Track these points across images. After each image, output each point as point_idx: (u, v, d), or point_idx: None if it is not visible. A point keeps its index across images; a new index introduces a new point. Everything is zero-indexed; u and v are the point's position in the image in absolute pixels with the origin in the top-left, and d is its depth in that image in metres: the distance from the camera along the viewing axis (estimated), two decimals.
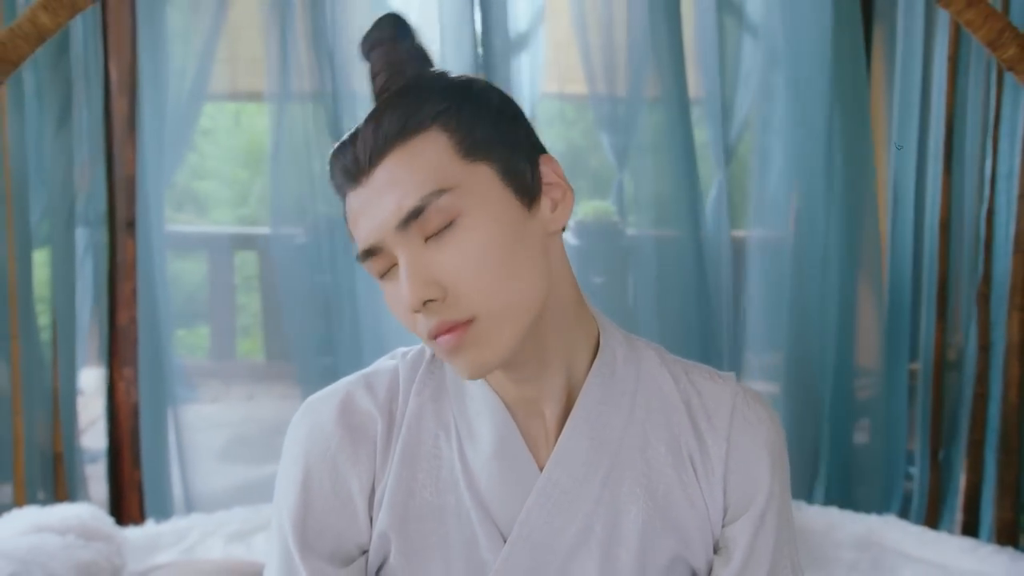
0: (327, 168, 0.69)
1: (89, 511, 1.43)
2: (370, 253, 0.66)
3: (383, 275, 0.67)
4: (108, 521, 1.43)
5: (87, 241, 1.88)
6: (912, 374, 2.13)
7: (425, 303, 0.63)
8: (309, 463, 0.71)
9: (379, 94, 0.68)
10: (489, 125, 0.66)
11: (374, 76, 0.68)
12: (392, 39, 0.68)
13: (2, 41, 1.14)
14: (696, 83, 2.18)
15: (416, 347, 0.77)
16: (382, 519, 0.70)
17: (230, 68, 2.20)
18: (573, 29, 2.08)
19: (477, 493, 0.70)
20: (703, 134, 2.28)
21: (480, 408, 0.71)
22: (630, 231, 2.16)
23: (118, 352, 1.88)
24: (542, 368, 0.70)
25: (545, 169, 0.68)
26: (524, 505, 0.69)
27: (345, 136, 0.67)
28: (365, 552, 0.72)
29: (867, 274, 2.10)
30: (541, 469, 0.70)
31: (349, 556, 0.71)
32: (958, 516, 2.02)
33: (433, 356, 0.75)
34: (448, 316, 0.63)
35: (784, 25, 2.01)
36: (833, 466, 2.07)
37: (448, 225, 0.63)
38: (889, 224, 2.10)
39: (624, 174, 2.12)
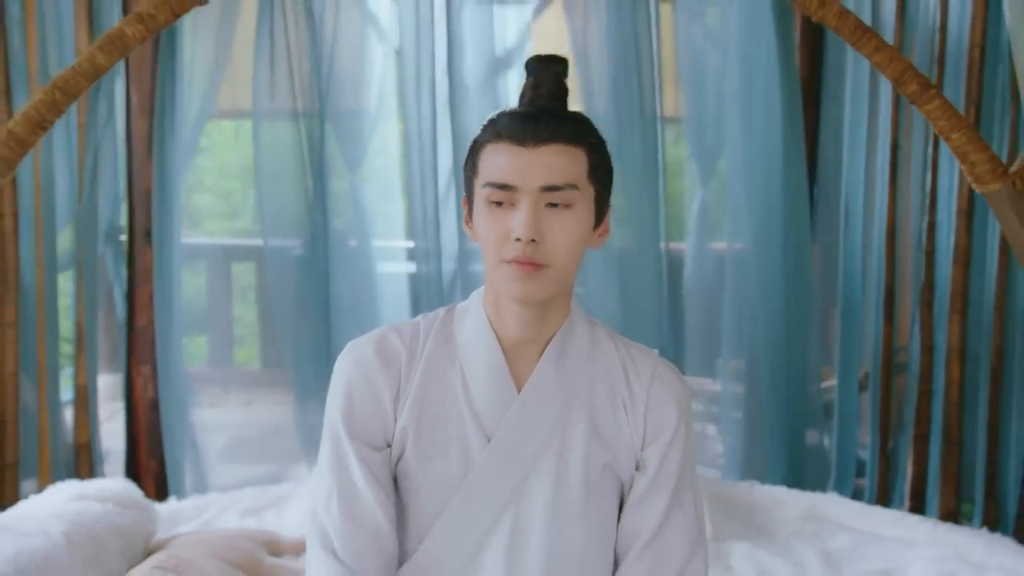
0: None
1: (123, 484, 1.67)
2: (504, 187, 0.97)
3: (494, 203, 0.98)
4: (140, 493, 1.67)
5: (108, 251, 2.14)
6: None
7: (529, 240, 0.95)
8: (352, 378, 1.03)
9: (537, 99, 1.02)
10: (604, 169, 1.03)
11: (538, 86, 1.02)
12: (564, 72, 1.04)
13: (65, 78, 1.40)
14: (676, 102, 2.45)
15: (432, 312, 1.10)
16: (402, 421, 1.02)
17: (229, 88, 2.46)
18: (556, 48, 2.35)
19: (472, 408, 1.03)
20: (682, 151, 2.55)
21: (481, 348, 1.04)
22: (611, 243, 2.39)
23: (136, 352, 2.13)
24: (542, 318, 1.03)
25: (608, 213, 1.06)
26: (504, 416, 1.02)
27: (521, 109, 0.99)
28: (390, 445, 1.05)
29: (820, 283, 2.38)
30: (519, 392, 1.04)
31: (379, 445, 1.03)
32: (906, 503, 2.28)
33: (445, 317, 1.08)
34: (535, 256, 0.96)
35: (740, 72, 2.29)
36: (790, 459, 2.33)
37: (563, 206, 0.97)
38: (841, 238, 2.37)
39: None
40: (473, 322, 1.06)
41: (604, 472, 1.04)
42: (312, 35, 2.24)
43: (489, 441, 1.02)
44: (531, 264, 0.96)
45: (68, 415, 2.08)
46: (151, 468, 2.05)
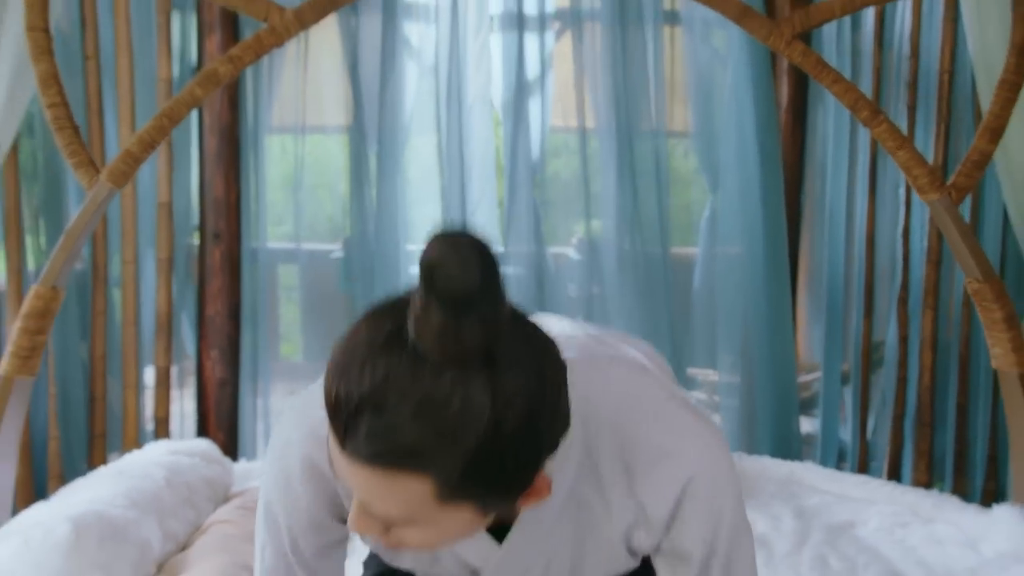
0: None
1: (207, 444, 2.03)
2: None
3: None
4: (219, 452, 2.03)
5: (183, 250, 2.51)
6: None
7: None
8: (285, 509, 0.87)
9: (420, 339, 0.62)
10: (493, 474, 0.65)
11: (427, 313, 0.60)
12: (477, 268, 0.60)
13: (172, 107, 1.76)
14: (685, 118, 2.76)
15: None
16: None
17: (278, 106, 2.82)
18: (574, 74, 2.67)
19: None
20: (692, 162, 2.86)
21: None
22: (624, 247, 2.65)
23: (206, 338, 2.49)
24: None
25: (538, 482, 0.70)
26: (485, 562, 0.85)
27: (364, 355, 0.63)
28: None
29: (806, 283, 2.69)
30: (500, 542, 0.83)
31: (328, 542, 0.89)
32: (883, 478, 2.58)
33: None
34: (385, 539, 0.71)
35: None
36: (780, 443, 2.63)
37: (406, 523, 0.69)
38: (826, 244, 2.67)
39: (623, 197, 2.61)
40: None
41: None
42: (352, 56, 2.57)
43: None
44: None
45: (148, 393, 2.44)
46: (219, 439, 2.40)
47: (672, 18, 2.68)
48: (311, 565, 0.88)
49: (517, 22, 2.59)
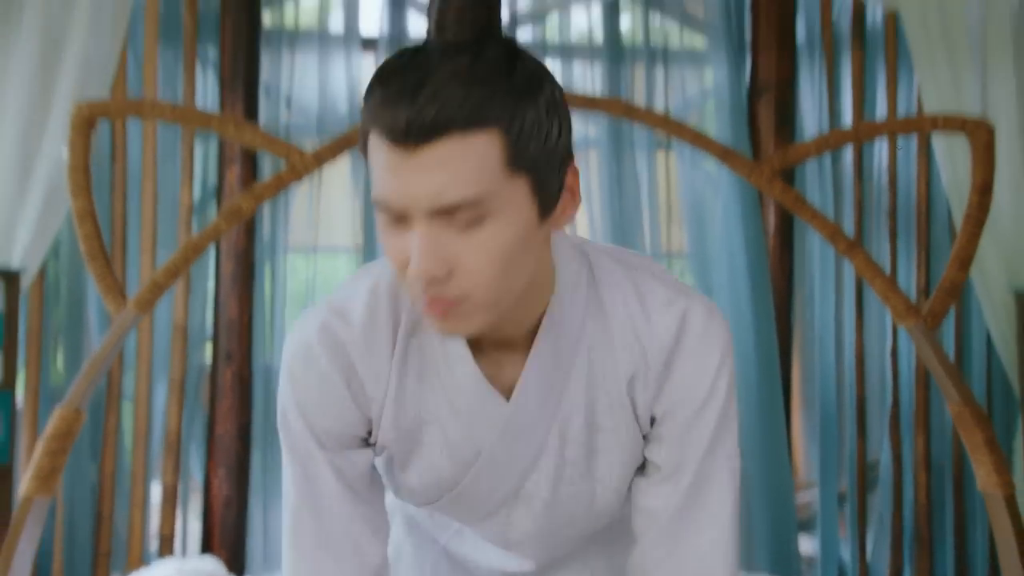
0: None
1: (214, 562, 2.08)
2: (390, 210, 0.72)
3: (391, 224, 0.74)
4: (225, 570, 2.07)
5: (194, 370, 2.61)
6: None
7: (430, 279, 0.72)
8: (308, 380, 0.90)
9: (441, 31, 0.71)
10: (542, 141, 0.71)
11: (443, 16, 0.71)
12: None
13: (196, 240, 1.89)
14: (682, 238, 2.89)
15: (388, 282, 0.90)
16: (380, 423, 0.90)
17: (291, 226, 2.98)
18: (584, 197, 2.83)
19: (454, 409, 0.88)
20: (689, 281, 2.99)
21: (456, 360, 0.86)
22: None
23: (213, 456, 2.57)
24: (514, 321, 0.84)
25: (570, 178, 0.77)
26: (492, 428, 0.87)
27: (404, 65, 0.69)
28: (367, 441, 0.92)
29: (800, 402, 2.77)
30: (508, 397, 0.86)
31: (350, 443, 0.91)
32: None
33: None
34: (444, 294, 0.73)
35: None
36: (779, 564, 2.65)
37: (473, 221, 0.71)
38: (816, 364, 2.76)
39: None
40: (437, 342, 0.88)
41: (611, 451, 0.92)
42: (362, 178, 2.73)
43: (477, 452, 0.90)
44: (441, 303, 0.74)
45: (153, 511, 2.49)
46: (223, 556, 2.43)
47: (666, 143, 2.86)
48: (340, 463, 0.91)
49: None
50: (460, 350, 0.86)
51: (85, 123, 1.77)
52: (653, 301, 0.88)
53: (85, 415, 1.76)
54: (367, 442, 0.93)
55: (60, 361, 2.55)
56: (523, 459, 0.91)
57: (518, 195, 0.73)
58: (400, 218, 0.73)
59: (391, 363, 0.88)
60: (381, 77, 0.72)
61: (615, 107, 1.91)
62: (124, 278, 2.41)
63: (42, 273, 2.44)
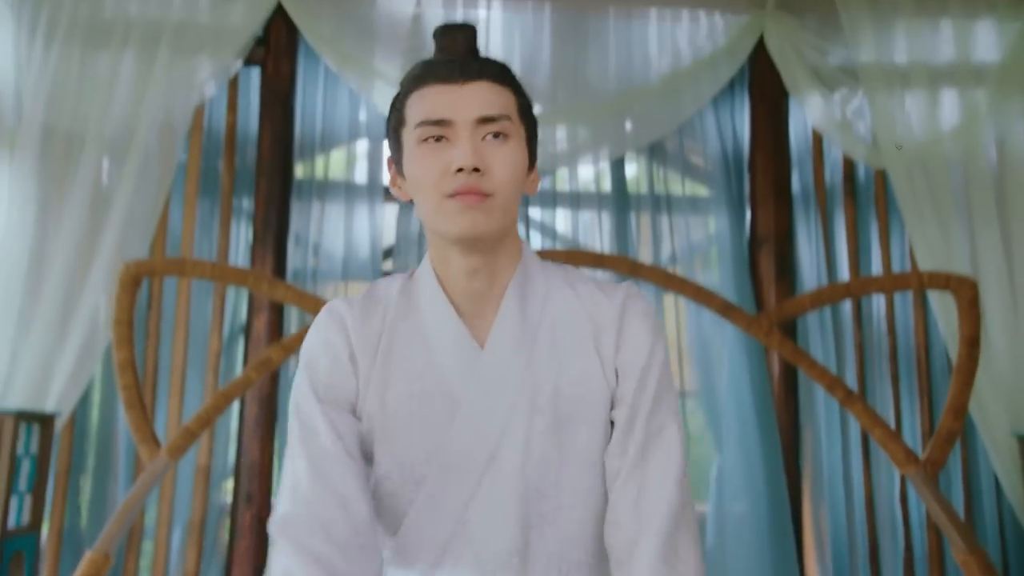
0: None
1: None
2: (439, 123, 0.99)
3: (430, 140, 0.99)
4: None
5: (215, 515, 2.68)
6: None
7: (471, 169, 0.96)
8: (318, 355, 1.07)
9: (449, 49, 1.03)
10: (531, 113, 1.06)
11: (447, 47, 1.03)
12: (473, 36, 1.06)
13: (229, 389, 2.02)
14: (691, 377, 2.98)
15: (393, 278, 1.12)
16: (368, 406, 1.05)
17: None
18: None
19: (439, 377, 1.03)
20: (700, 419, 3.06)
21: (436, 313, 1.05)
22: None
23: None
24: (492, 266, 1.04)
25: (534, 173, 1.09)
26: (470, 380, 1.02)
27: (440, 57, 1.03)
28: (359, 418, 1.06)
29: (814, 545, 2.78)
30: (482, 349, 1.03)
31: (349, 408, 1.06)
32: None
33: (404, 285, 1.10)
34: (479, 186, 0.97)
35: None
36: None
37: (502, 137, 0.99)
38: (827, 510, 2.79)
39: None
40: (426, 286, 1.06)
41: (579, 421, 1.04)
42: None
43: (456, 407, 1.03)
44: (476, 193, 0.97)
45: None
46: None
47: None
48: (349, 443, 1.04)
49: None
50: (444, 309, 1.05)
51: (132, 281, 1.93)
52: (600, 287, 1.10)
53: (113, 560, 1.84)
54: (356, 415, 1.07)
55: (85, 503, 2.63)
56: (498, 412, 1.03)
57: (521, 135, 1.03)
58: (445, 134, 1.00)
59: (379, 340, 1.06)
60: (425, 63, 1.05)
61: (621, 265, 2.06)
62: (153, 421, 2.53)
63: (74, 416, 2.56)
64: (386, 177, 3.09)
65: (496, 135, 1.00)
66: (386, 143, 1.11)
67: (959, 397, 1.93)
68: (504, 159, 1.00)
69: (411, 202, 1.07)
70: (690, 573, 1.00)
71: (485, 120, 0.99)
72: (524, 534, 1.02)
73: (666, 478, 1.02)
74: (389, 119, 1.07)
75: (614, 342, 1.06)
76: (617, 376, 1.06)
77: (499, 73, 1.03)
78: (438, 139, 1.00)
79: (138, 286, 1.94)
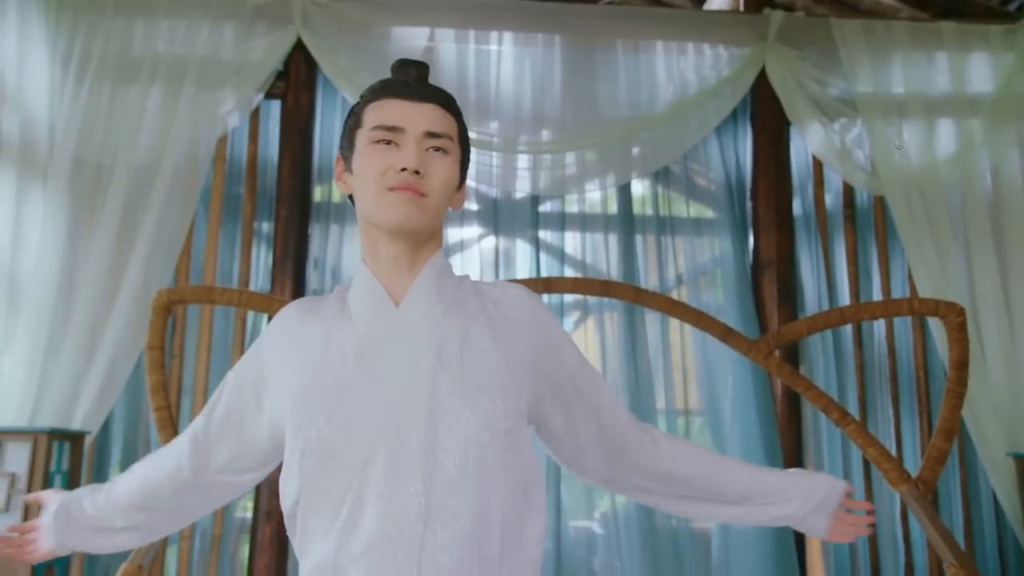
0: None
1: None
2: (392, 128, 1.14)
3: (381, 142, 1.14)
4: None
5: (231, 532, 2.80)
6: None
7: (413, 171, 1.11)
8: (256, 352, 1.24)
9: (414, 78, 1.20)
10: (467, 140, 1.23)
11: (404, 73, 1.20)
12: (426, 71, 1.22)
13: None
14: (697, 396, 3.09)
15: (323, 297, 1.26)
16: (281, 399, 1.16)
17: None
18: (602, 357, 3.06)
19: (355, 347, 1.11)
20: (707, 438, 3.16)
21: (362, 290, 1.16)
22: (645, 522, 2.87)
23: None
24: (414, 254, 1.16)
25: (460, 192, 1.23)
26: (384, 336, 1.12)
27: (402, 77, 1.19)
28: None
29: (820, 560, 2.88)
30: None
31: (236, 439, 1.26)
32: None
33: (336, 294, 1.22)
34: (417, 185, 1.12)
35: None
36: None
37: (442, 151, 1.15)
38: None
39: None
40: (356, 279, 1.18)
41: (487, 391, 1.10)
42: None
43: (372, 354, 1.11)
44: (414, 190, 1.12)
45: None
46: None
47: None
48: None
49: None
50: (367, 277, 1.17)
51: (164, 308, 2.06)
52: (488, 285, 1.25)
53: (145, 572, 1.96)
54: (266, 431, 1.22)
55: None
56: (403, 362, 1.10)
57: (457, 156, 1.19)
58: (394, 139, 1.15)
59: (331, 317, 1.18)
60: (385, 81, 1.21)
61: (627, 293, 2.18)
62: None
63: (95, 440, 2.70)
64: None
65: (437, 149, 1.16)
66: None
67: (949, 420, 2.03)
68: (441, 170, 1.15)
69: (351, 198, 1.22)
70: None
71: (431, 135, 1.15)
72: (427, 491, 1.03)
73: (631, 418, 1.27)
74: (347, 122, 1.22)
75: (511, 327, 1.17)
76: (536, 364, 1.18)
77: (446, 101, 1.20)
78: (388, 142, 1.15)
79: (169, 313, 2.07)
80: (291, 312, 1.21)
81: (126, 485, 1.32)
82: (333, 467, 1.06)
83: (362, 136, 1.18)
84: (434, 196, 1.14)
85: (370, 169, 1.14)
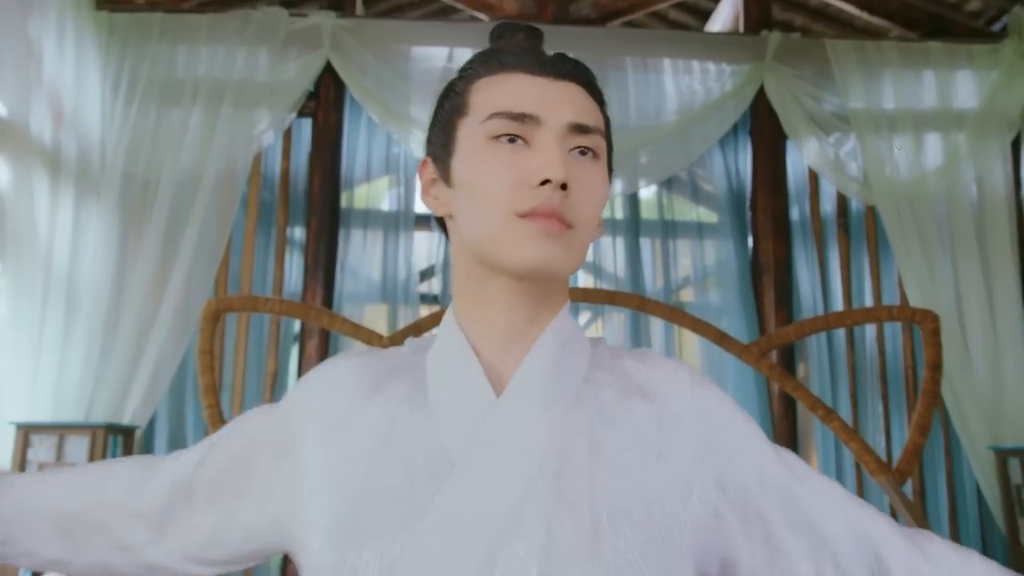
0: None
1: None
2: (523, 118, 0.76)
3: (503, 138, 0.76)
4: None
5: None
6: None
7: (559, 186, 0.73)
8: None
9: (511, 41, 0.84)
10: (611, 139, 0.84)
11: (515, 37, 0.85)
12: (540, 39, 0.88)
13: None
14: None
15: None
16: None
17: None
18: None
19: (434, 442, 0.74)
20: None
21: (447, 357, 0.79)
22: None
23: None
24: (536, 309, 0.79)
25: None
26: (472, 437, 0.73)
27: (508, 45, 0.82)
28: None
29: None
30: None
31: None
32: None
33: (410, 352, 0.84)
34: (563, 212, 0.73)
35: None
36: None
37: (590, 155, 0.77)
38: None
39: None
40: (442, 342, 0.81)
41: (631, 515, 0.73)
42: None
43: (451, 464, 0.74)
44: (559, 219, 0.74)
45: None
46: None
47: (681, 306, 3.34)
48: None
49: None
50: (461, 344, 0.80)
51: (213, 316, 2.32)
52: (633, 357, 0.85)
53: None
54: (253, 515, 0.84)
55: None
56: (507, 481, 0.73)
57: (604, 164, 0.81)
58: (519, 136, 0.77)
59: (400, 397, 0.80)
60: (498, 48, 0.83)
61: (631, 301, 2.42)
62: None
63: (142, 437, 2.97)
64: (419, 205, 3.50)
65: (584, 151, 0.78)
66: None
67: (924, 416, 2.26)
68: (593, 183, 0.78)
69: (440, 220, 0.86)
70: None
71: (578, 128, 0.78)
72: None
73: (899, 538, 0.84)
74: (440, 109, 0.85)
75: (707, 442, 0.79)
76: (721, 477, 0.80)
77: (591, 81, 0.82)
78: (512, 140, 0.77)
79: (218, 320, 2.33)
80: (343, 375, 0.83)
81: (40, 491, 0.90)
82: None
83: (469, 128, 0.80)
84: (583, 228, 0.77)
85: (489, 182, 0.76)
